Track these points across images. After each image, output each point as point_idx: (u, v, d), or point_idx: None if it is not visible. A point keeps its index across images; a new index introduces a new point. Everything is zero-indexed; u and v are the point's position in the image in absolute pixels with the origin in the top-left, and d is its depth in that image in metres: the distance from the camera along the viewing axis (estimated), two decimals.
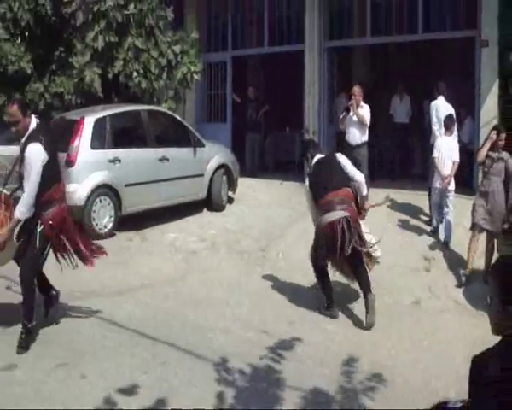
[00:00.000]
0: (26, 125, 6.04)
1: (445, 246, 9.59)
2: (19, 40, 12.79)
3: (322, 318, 7.19)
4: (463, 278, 8.36)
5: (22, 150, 5.97)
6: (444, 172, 9.70)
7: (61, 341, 6.15)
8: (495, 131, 8.56)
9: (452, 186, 9.82)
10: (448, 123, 9.94)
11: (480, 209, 8.33)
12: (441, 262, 8.82)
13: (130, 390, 5.11)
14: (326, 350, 6.17)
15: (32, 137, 6.01)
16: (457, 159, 9.82)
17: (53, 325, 6.51)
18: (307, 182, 7.68)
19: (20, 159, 6.06)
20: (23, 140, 6.03)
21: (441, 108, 10.58)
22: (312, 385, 5.32)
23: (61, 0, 11.94)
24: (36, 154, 5.86)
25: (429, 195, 10.62)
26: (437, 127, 10.40)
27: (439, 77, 11.87)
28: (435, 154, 9.82)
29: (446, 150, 9.76)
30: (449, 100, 10.79)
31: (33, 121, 6.10)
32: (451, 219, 9.70)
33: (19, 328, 5.97)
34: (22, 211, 5.82)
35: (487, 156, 8.44)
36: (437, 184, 9.88)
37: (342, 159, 7.73)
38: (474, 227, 8.38)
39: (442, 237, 9.83)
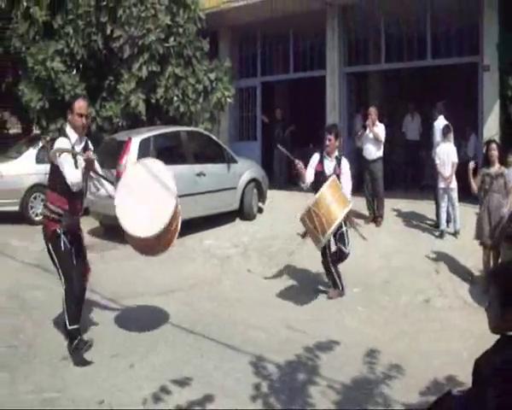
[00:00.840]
0: (89, 124, 6.10)
1: (454, 236, 10.01)
2: (74, 72, 13.02)
3: (344, 315, 7.18)
4: (469, 279, 8.30)
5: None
6: (445, 173, 10.03)
7: (112, 336, 6.25)
8: (472, 163, 8.41)
9: (454, 185, 10.13)
10: (445, 131, 10.21)
11: (486, 227, 7.99)
12: (449, 265, 8.76)
13: (174, 380, 5.16)
14: (347, 344, 6.17)
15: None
16: (455, 160, 10.12)
17: (105, 323, 6.63)
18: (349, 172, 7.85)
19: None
20: (85, 140, 5.84)
21: (441, 126, 10.52)
22: (337, 377, 5.33)
23: (111, 36, 12.16)
24: None
25: (436, 202, 10.60)
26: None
27: (446, 98, 11.81)
28: (436, 160, 10.19)
29: (444, 155, 10.09)
30: (448, 118, 10.71)
31: None
32: (458, 214, 10.09)
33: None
34: None
35: (487, 174, 8.20)
36: (441, 184, 10.17)
37: None
38: (485, 245, 8.08)
39: (451, 229, 10.17)
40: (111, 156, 10.99)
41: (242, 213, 12.23)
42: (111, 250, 10.22)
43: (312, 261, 9.20)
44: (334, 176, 7.40)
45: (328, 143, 7.82)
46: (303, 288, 8.30)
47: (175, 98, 12.66)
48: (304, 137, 16.50)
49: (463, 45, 12.69)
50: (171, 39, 12.54)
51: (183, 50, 12.86)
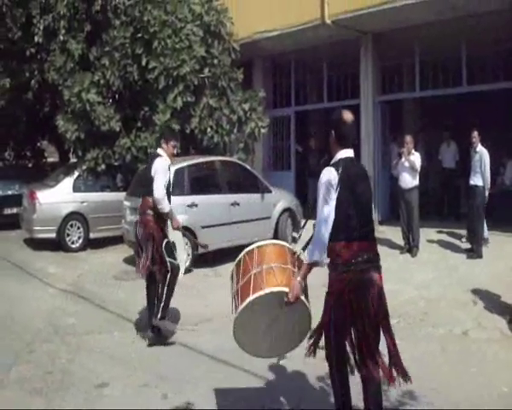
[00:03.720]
0: None
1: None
2: (110, 103, 13.28)
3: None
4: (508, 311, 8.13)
5: None
6: None
7: (145, 365, 6.30)
8: None
9: None
10: None
11: None
12: (486, 295, 8.60)
13: None
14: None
15: None
16: None
17: (137, 351, 6.70)
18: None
19: None
20: None
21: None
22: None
23: (146, 67, 12.40)
24: None
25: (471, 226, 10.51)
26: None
27: (482, 125, 11.71)
28: None
29: None
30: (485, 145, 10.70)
31: None
32: None
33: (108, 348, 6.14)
34: None
35: None
36: None
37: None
38: None
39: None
40: (146, 186, 11.15)
41: None
42: None
43: None
44: None
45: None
46: None
47: (209, 129, 12.81)
48: None
49: (499, 71, 12.63)
50: (206, 70, 12.73)
51: (217, 81, 13.05)
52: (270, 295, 4.26)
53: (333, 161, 4.33)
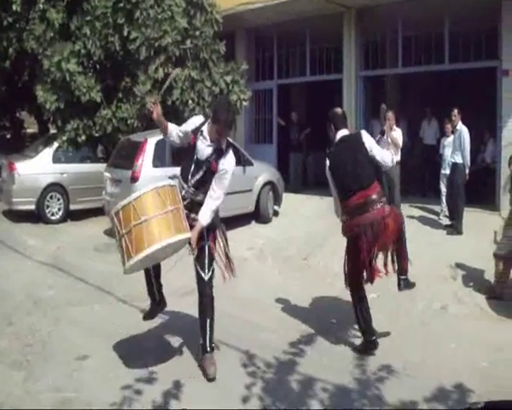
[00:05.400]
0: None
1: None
2: (90, 73, 13.08)
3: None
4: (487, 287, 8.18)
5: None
6: None
7: (127, 337, 6.29)
8: None
9: None
10: None
11: (509, 243, 7.57)
12: (466, 271, 8.68)
13: (184, 381, 5.21)
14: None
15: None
16: None
17: (119, 323, 6.66)
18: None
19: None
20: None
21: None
22: (340, 383, 5.29)
23: (128, 37, 12.21)
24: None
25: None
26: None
27: (464, 103, 11.71)
28: None
29: None
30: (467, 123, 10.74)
31: None
32: None
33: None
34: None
35: None
36: None
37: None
38: (499, 258, 7.63)
39: None
40: (127, 157, 11.06)
41: (258, 215, 12.25)
42: None
43: (327, 266, 9.18)
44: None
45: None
46: (317, 292, 8.27)
47: (190, 101, 12.67)
48: (320, 141, 16.47)
49: (482, 50, 12.61)
50: (188, 42, 12.57)
51: (199, 53, 12.89)
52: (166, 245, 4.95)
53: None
